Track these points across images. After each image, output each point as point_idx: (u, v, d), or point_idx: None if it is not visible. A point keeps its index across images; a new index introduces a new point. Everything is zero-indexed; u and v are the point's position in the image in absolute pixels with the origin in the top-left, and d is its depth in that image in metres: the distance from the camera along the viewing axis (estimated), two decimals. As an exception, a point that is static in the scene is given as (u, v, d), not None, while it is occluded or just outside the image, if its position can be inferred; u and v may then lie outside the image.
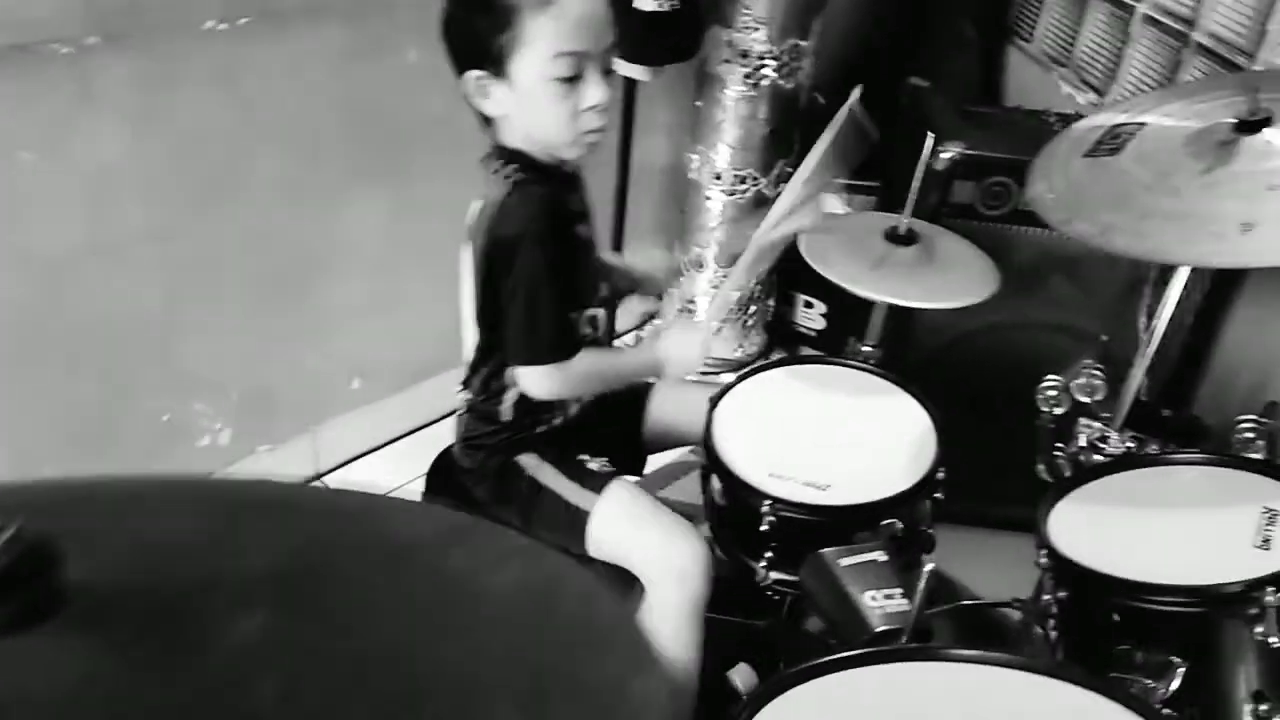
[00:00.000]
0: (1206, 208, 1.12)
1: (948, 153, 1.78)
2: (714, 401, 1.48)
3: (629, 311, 2.79)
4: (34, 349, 1.63)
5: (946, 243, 1.66)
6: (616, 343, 2.73)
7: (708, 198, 2.43)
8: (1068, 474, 1.47)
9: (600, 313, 1.42)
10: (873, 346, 1.69)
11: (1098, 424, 1.41)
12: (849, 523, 1.30)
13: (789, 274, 2.66)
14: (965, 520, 2.12)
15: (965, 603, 1.72)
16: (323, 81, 1.78)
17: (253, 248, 1.83)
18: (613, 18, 1.23)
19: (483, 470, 1.45)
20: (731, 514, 1.40)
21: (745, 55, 2.23)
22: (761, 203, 2.41)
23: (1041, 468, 1.52)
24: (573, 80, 1.20)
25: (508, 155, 1.28)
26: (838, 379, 1.53)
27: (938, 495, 1.39)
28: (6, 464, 1.68)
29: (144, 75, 1.57)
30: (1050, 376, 1.47)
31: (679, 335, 1.41)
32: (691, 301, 2.57)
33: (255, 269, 1.85)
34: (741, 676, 1.33)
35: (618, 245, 2.32)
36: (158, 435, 1.85)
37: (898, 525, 1.30)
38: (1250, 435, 1.34)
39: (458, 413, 1.46)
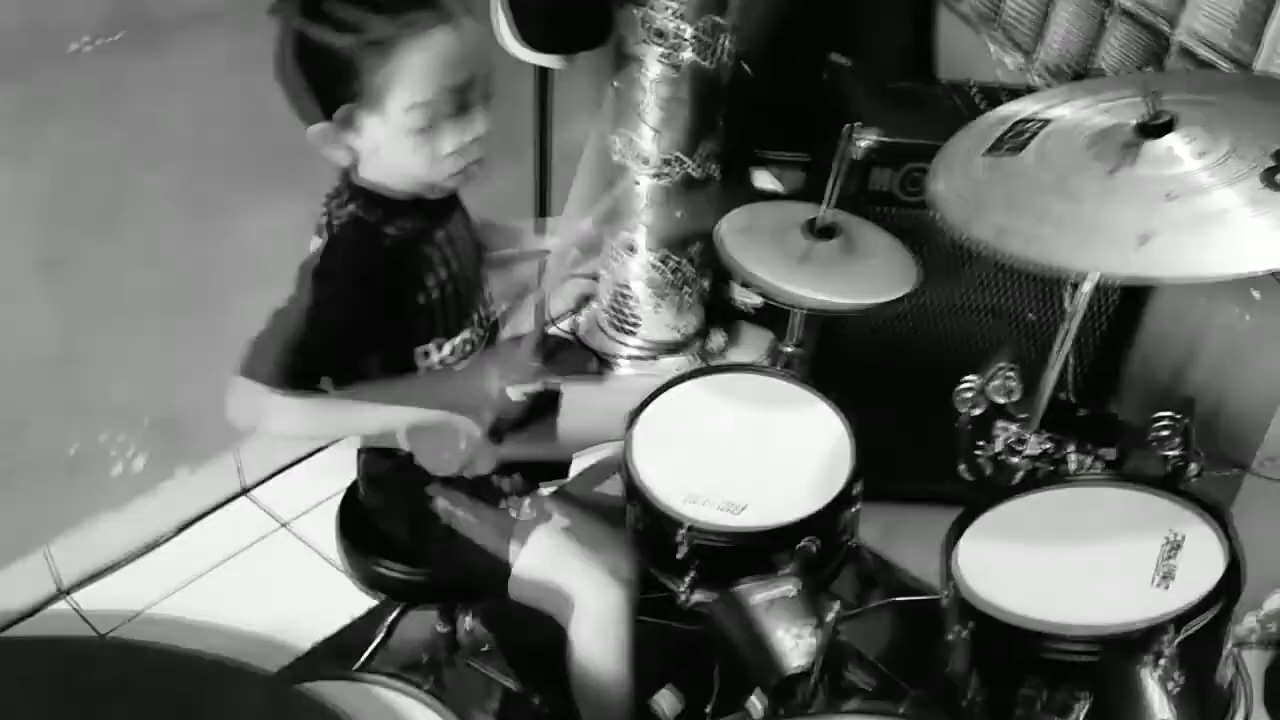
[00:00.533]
0: (1105, 215, 1.09)
1: (864, 140, 1.73)
2: (631, 419, 1.45)
3: (565, 295, 2.75)
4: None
5: (867, 233, 1.63)
6: (553, 329, 2.70)
7: (636, 182, 2.37)
8: (988, 473, 1.47)
9: (462, 338, 1.29)
10: (794, 346, 1.67)
11: (1014, 426, 1.40)
12: (765, 546, 1.29)
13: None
14: (901, 497, 2.16)
15: (899, 599, 1.72)
16: (211, 93, 1.69)
17: (152, 269, 1.75)
18: (470, 54, 1.12)
19: (393, 511, 1.40)
20: (651, 537, 1.38)
21: (661, 35, 2.16)
22: (690, 184, 2.36)
23: (963, 468, 1.52)
24: (429, 128, 1.11)
25: (352, 193, 1.19)
26: (754, 389, 1.50)
27: (855, 508, 1.38)
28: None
29: (12, 105, 1.48)
30: (966, 378, 1.45)
31: (475, 368, 1.27)
32: (626, 286, 2.53)
33: (157, 290, 1.78)
34: (667, 702, 1.32)
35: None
36: (64, 470, 1.79)
37: (813, 546, 1.29)
38: (1166, 433, 1.34)
39: (357, 448, 1.40)
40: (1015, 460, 1.40)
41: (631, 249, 2.47)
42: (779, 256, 1.51)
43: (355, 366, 1.20)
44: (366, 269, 1.16)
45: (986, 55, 2.37)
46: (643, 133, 2.29)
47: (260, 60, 1.74)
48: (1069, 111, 1.30)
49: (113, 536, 1.91)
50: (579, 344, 2.63)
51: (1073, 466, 1.37)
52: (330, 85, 1.10)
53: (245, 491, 2.12)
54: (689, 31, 2.15)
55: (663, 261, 2.47)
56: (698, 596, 1.33)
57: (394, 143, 1.13)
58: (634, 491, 1.35)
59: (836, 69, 2.07)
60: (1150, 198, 1.10)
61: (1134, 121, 1.17)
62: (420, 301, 1.21)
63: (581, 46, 1.98)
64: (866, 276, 1.54)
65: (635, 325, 2.56)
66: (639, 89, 2.24)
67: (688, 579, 1.32)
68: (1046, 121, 1.26)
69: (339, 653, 1.75)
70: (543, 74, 2.08)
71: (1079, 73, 2.07)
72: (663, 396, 1.50)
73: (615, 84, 2.30)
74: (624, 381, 1.64)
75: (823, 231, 1.53)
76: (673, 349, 2.59)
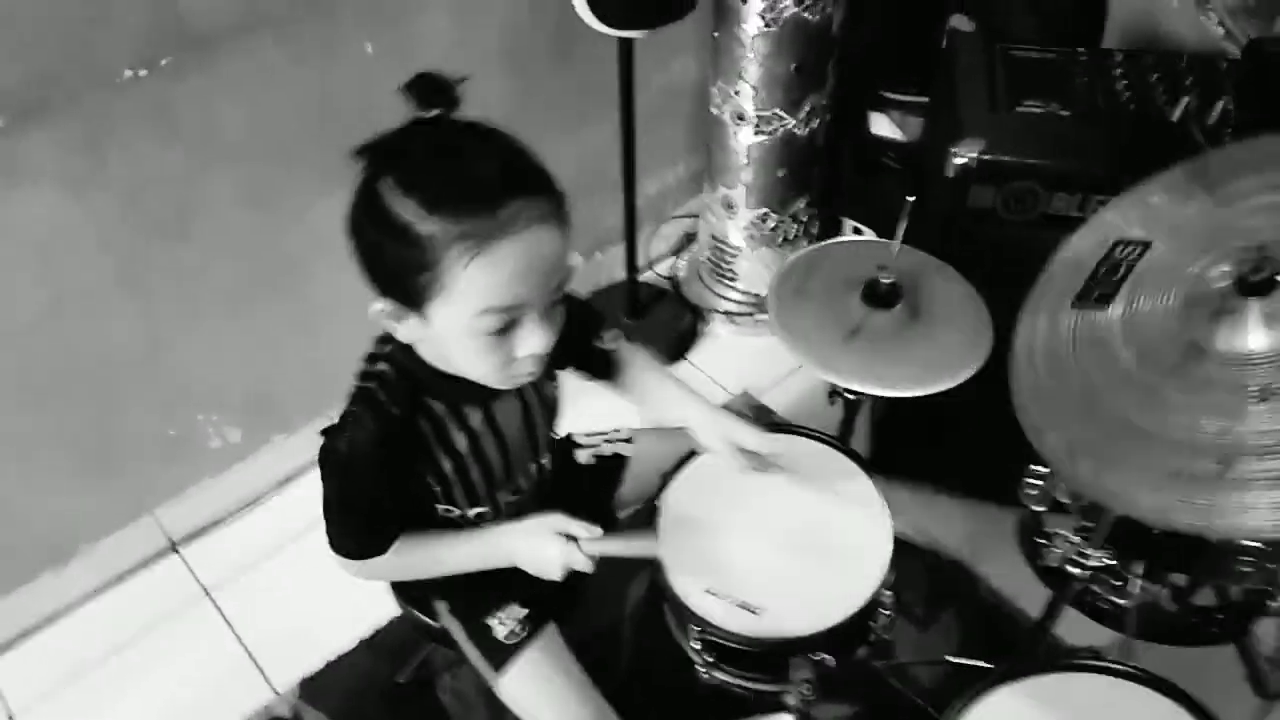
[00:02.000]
0: (1179, 427, 0.91)
1: (961, 158, 1.54)
2: (665, 480, 1.41)
3: (665, 235, 2.65)
4: (24, 402, 1.69)
5: (939, 291, 1.45)
6: (650, 273, 2.61)
7: (733, 138, 2.20)
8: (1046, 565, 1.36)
9: (497, 504, 1.24)
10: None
11: (1077, 538, 1.27)
12: (779, 652, 1.25)
13: (836, 197, 2.44)
14: (992, 497, 2.04)
15: (950, 659, 1.64)
16: (262, 99, 1.66)
17: (225, 266, 1.79)
18: (564, 256, 0.98)
19: (401, 596, 1.43)
20: (670, 610, 1.36)
21: (762, -13, 1.94)
22: (790, 142, 2.18)
23: (1021, 555, 1.41)
24: (507, 329, 0.99)
25: (398, 353, 1.09)
26: (802, 458, 1.41)
27: (886, 614, 1.31)
28: (28, 496, 1.79)
29: (70, 140, 1.49)
30: (1034, 468, 1.32)
31: (536, 539, 1.17)
32: (723, 241, 2.40)
33: (233, 284, 1.82)
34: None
35: (629, 179, 2.16)
36: (166, 449, 1.92)
37: (828, 661, 1.24)
38: (1249, 568, 1.19)
39: None
40: (1073, 570, 1.29)
41: (730, 206, 2.33)
42: (827, 327, 1.38)
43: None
44: (371, 444, 1.07)
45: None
46: (741, 89, 2.11)
47: (304, 63, 1.69)
48: (1177, 226, 1.08)
49: (216, 499, 2.06)
50: (676, 295, 2.54)
51: (1135, 589, 1.25)
52: (402, 266, 0.95)
53: (340, 449, 2.22)
54: (791, -17, 1.92)
55: (762, 220, 2.32)
56: (719, 675, 1.33)
57: (463, 341, 1.00)
58: (656, 573, 1.32)
59: (955, 37, 1.81)
60: (1232, 395, 0.91)
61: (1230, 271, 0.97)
62: (431, 476, 1.15)
63: (663, 20, 1.80)
64: (922, 358, 1.35)
65: (734, 278, 2.45)
66: (737, 44, 2.04)
67: (706, 660, 1.31)
68: (1146, 247, 1.05)
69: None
70: (625, 45, 1.92)
71: (1255, 41, 1.73)
72: (702, 456, 1.43)
73: (715, 33, 2.10)
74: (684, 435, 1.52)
75: (882, 298, 1.38)
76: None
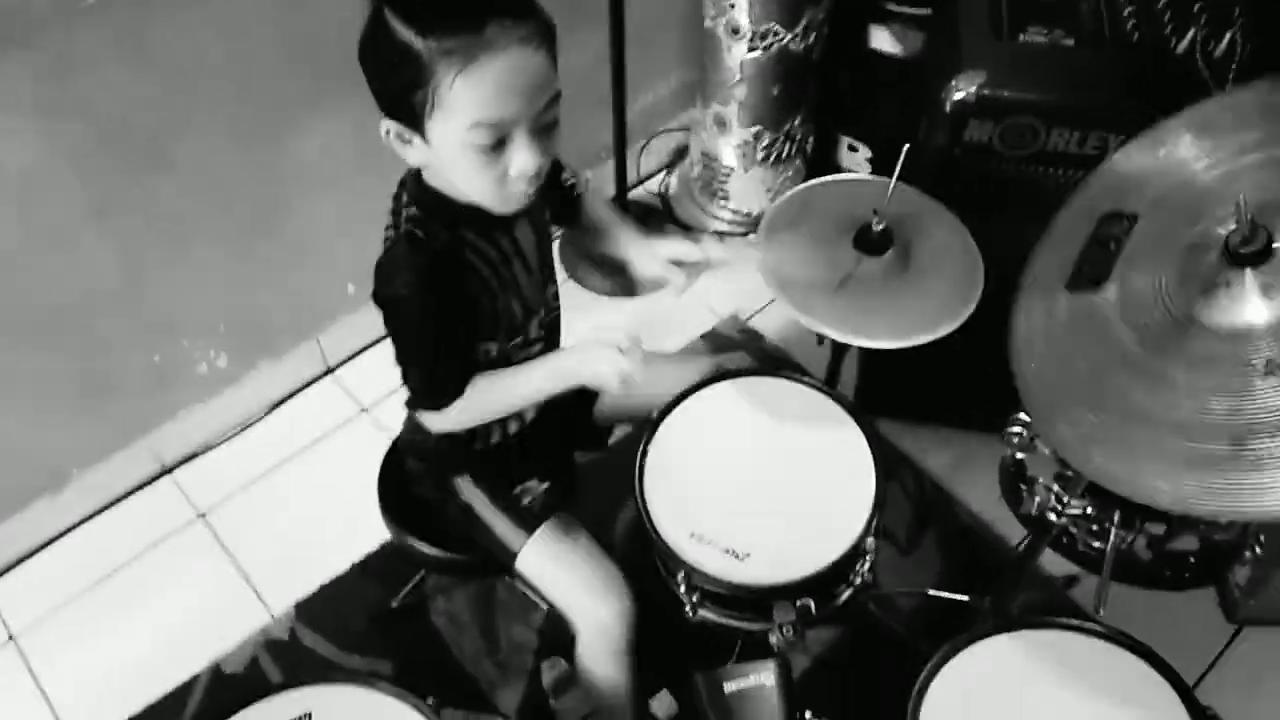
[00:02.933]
0: (1188, 408, 0.89)
1: (960, 93, 1.49)
2: (654, 424, 1.41)
3: (655, 151, 2.59)
4: (5, 336, 1.67)
5: (932, 234, 1.42)
6: (641, 190, 2.56)
7: (727, 53, 2.13)
8: (1026, 512, 1.38)
9: (524, 337, 1.31)
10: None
11: (1057, 487, 1.28)
12: (764, 597, 1.28)
13: (830, 110, 2.38)
14: (979, 426, 2.06)
15: (929, 591, 1.68)
16: (242, 24, 1.59)
17: (207, 196, 1.75)
18: (549, 79, 1.06)
19: (421, 480, 1.46)
20: (656, 554, 1.38)
21: (758, -103, 1.84)
22: (785, 58, 2.11)
23: (1002, 498, 1.43)
24: (497, 147, 1.07)
25: (417, 193, 1.17)
26: (789, 402, 1.42)
27: (869, 556, 1.33)
28: (19, 426, 1.79)
29: (38, 69, 1.44)
30: (1018, 416, 1.32)
31: (592, 351, 1.21)
32: (715, 159, 2.35)
33: (217, 212, 1.79)
34: (662, 705, 1.39)
35: (619, 95, 2.10)
36: (154, 376, 1.91)
37: (811, 605, 1.27)
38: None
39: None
40: (1053, 518, 1.31)
41: (722, 123, 2.27)
42: (817, 275, 1.36)
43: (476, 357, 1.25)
44: (425, 279, 1.15)
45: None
46: (736, 2, 2.03)
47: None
48: (1174, 183, 1.05)
49: (207, 420, 2.07)
50: (668, 213, 2.50)
51: (1112, 538, 1.27)
52: (402, 84, 1.04)
53: (329, 371, 2.22)
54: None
55: (755, 138, 2.27)
56: (704, 613, 1.36)
57: (459, 157, 1.08)
58: (642, 512, 1.34)
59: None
60: (1237, 374, 0.90)
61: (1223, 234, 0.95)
62: (481, 299, 1.22)
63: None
64: (913, 306, 1.34)
65: (726, 197, 2.41)
66: (731, -47, 1.96)
67: (692, 597, 1.34)
68: (1134, 220, 1.03)
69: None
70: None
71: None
72: (690, 400, 1.44)
73: (707, -57, 2.02)
74: (686, 359, 1.56)
75: (874, 243, 1.36)
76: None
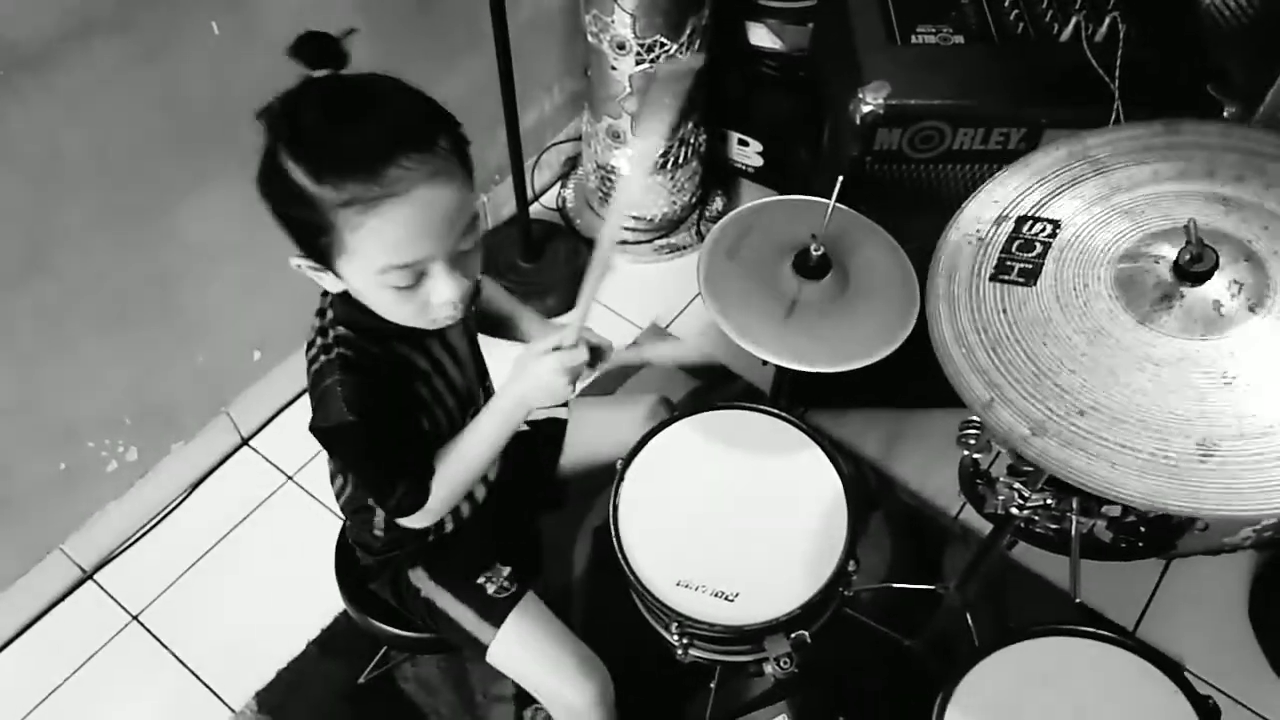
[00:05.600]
0: (1154, 407, 0.95)
1: (869, 105, 1.52)
2: (621, 469, 1.40)
3: (547, 165, 2.55)
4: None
5: (866, 252, 1.45)
6: (538, 206, 2.52)
7: (614, 67, 2.11)
8: (989, 510, 1.43)
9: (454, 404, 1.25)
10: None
11: (1017, 483, 1.34)
12: (760, 635, 1.29)
13: (718, 109, 2.39)
14: (904, 403, 2.13)
15: (896, 585, 1.74)
16: (110, 104, 1.48)
17: (90, 290, 1.63)
18: (463, 206, 0.98)
19: (376, 575, 1.40)
20: (642, 605, 1.39)
21: (631, -89, 1.81)
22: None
23: (962, 496, 1.48)
24: (415, 281, 1.00)
25: (344, 312, 1.09)
26: (750, 434, 1.43)
27: (852, 577, 1.37)
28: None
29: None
30: (971, 418, 1.37)
31: (530, 367, 1.13)
32: (611, 170, 2.33)
33: (101, 306, 1.66)
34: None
35: (511, 114, 2.05)
36: (59, 484, 1.78)
37: (806, 636, 1.29)
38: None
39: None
40: (1015, 513, 1.37)
41: (616, 136, 2.25)
42: (763, 305, 1.37)
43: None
44: (365, 400, 1.08)
45: None
46: (617, 16, 2.00)
47: (156, 57, 1.50)
48: (1082, 202, 1.10)
49: (123, 516, 1.95)
50: (570, 230, 2.47)
51: (1075, 526, 1.33)
52: (304, 227, 0.97)
53: (245, 442, 2.12)
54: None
55: (651, 147, 2.25)
56: (695, 653, 1.37)
57: (373, 293, 1.02)
58: (624, 570, 1.33)
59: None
60: (1203, 377, 0.96)
61: (1169, 257, 1.00)
62: (418, 408, 1.17)
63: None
64: (859, 328, 1.36)
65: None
66: (610, -30, 1.93)
67: (681, 643, 1.35)
68: (1056, 226, 1.08)
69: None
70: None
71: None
72: (654, 442, 1.43)
73: (583, -42, 1.98)
74: (632, 400, 1.56)
75: (813, 269, 1.38)
76: (668, 227, 2.44)
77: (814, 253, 1.37)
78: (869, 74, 1.54)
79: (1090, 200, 1.11)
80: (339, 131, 0.92)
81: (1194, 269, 0.98)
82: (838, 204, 1.47)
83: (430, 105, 0.98)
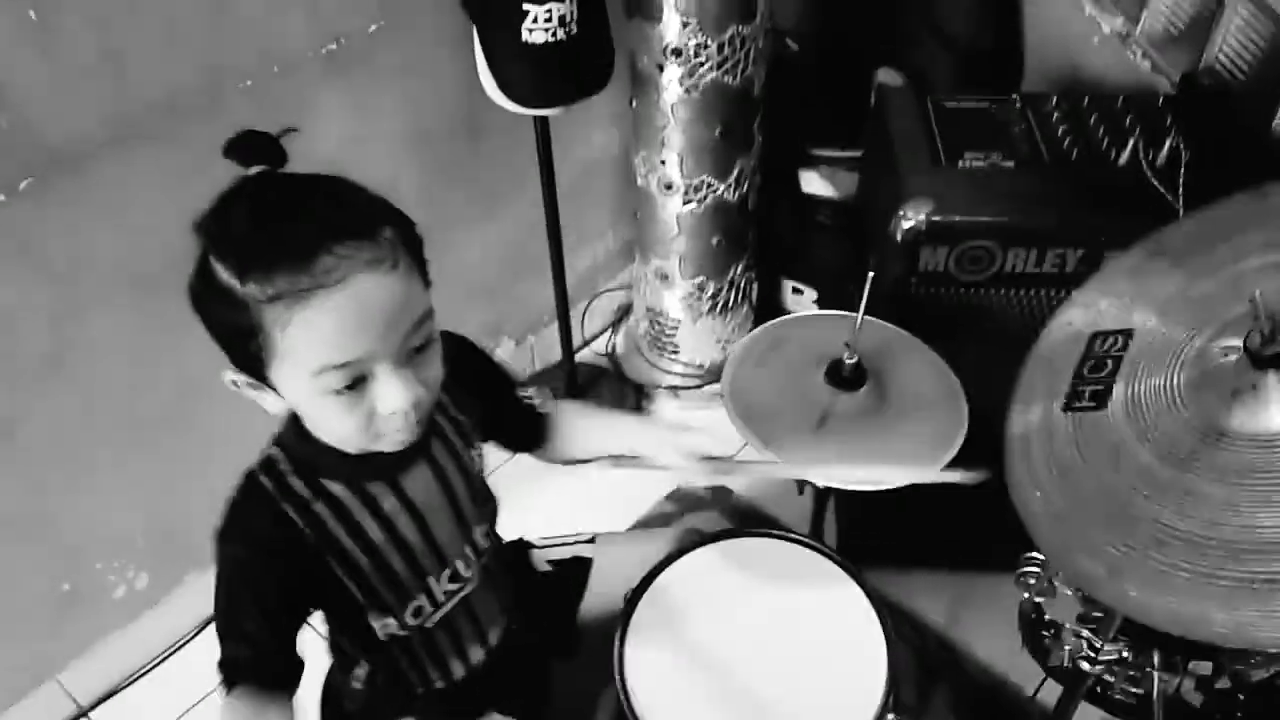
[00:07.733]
0: (1242, 523, 0.79)
1: (909, 220, 1.44)
2: (626, 610, 1.25)
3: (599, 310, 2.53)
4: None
5: (905, 367, 1.34)
6: (588, 352, 2.49)
7: (663, 206, 2.10)
8: (1056, 664, 1.24)
9: (428, 598, 1.09)
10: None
11: (1085, 631, 1.15)
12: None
13: (771, 256, 2.34)
14: (969, 565, 1.94)
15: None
16: (143, 215, 1.50)
17: (108, 403, 1.60)
18: (410, 299, 0.88)
19: None
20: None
21: (678, 53, 1.84)
22: (721, 207, 2.07)
23: (1025, 650, 1.30)
24: (356, 386, 0.89)
25: (285, 427, 0.99)
26: (779, 564, 1.27)
27: None
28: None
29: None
30: (1029, 555, 1.21)
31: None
32: (660, 313, 2.29)
33: (118, 421, 1.63)
34: None
35: (558, 258, 2.03)
36: (61, 606, 1.71)
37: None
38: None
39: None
40: (1086, 667, 1.17)
41: (665, 277, 2.22)
42: (793, 415, 1.26)
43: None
44: (262, 545, 0.97)
45: (1080, 14, 1.98)
46: (667, 158, 2.00)
47: (199, 172, 1.53)
48: (1157, 308, 0.98)
49: (128, 649, 1.85)
50: (617, 373, 2.42)
51: (1156, 684, 1.13)
52: (233, 332, 0.88)
53: (265, 578, 2.02)
54: (710, 47, 1.83)
55: (700, 289, 2.21)
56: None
57: (312, 404, 0.91)
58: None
59: (885, 93, 1.73)
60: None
61: (1235, 345, 0.87)
62: (345, 573, 1.01)
63: (576, 97, 1.69)
64: (898, 444, 1.24)
65: (676, 351, 2.33)
66: (658, 112, 1.94)
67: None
68: (1128, 336, 0.95)
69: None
70: (542, 123, 1.80)
71: (1189, 75, 1.68)
72: (665, 575, 1.29)
73: (633, 103, 2.00)
74: (660, 533, 1.40)
75: (849, 379, 1.27)
76: (719, 373, 2.35)
77: (847, 361, 1.26)
78: (911, 192, 1.47)
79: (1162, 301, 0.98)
80: (266, 224, 0.86)
81: (1265, 351, 0.84)
82: (879, 320, 1.38)
83: (375, 198, 0.91)
